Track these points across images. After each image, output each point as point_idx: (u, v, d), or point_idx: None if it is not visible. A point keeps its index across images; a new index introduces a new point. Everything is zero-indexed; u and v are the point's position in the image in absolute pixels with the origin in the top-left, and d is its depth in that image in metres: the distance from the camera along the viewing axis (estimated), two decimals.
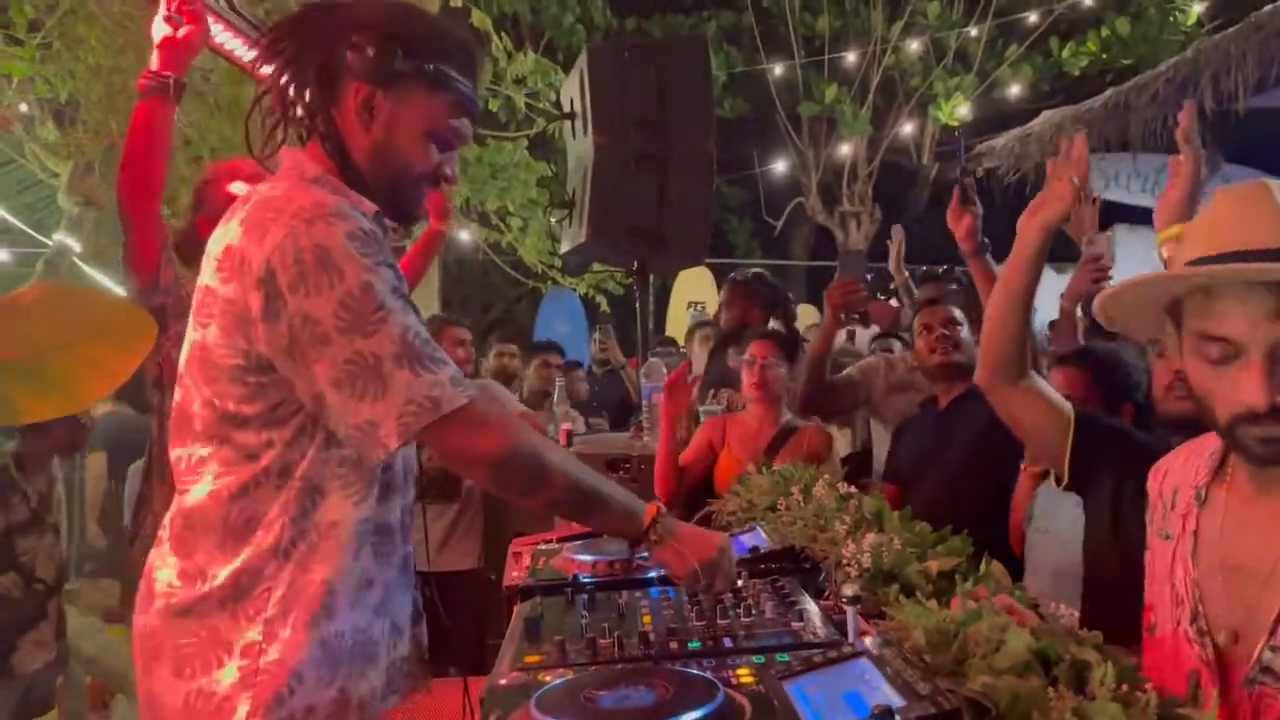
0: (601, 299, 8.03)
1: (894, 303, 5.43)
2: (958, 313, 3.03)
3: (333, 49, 1.38)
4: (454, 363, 1.33)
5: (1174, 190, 1.80)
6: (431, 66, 1.40)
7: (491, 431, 1.31)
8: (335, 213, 1.29)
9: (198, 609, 1.31)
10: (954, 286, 4.14)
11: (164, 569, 1.36)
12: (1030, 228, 1.75)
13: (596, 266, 6.88)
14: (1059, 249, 1.87)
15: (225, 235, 1.33)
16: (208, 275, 1.35)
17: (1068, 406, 1.81)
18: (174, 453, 1.39)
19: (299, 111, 1.42)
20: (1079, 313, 3.29)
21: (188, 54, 2.20)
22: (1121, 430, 1.92)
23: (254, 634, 1.30)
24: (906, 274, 4.38)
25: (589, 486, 1.40)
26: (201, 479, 1.34)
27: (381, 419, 1.26)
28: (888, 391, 3.45)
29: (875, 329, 5.84)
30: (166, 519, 1.39)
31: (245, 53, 2.91)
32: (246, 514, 1.32)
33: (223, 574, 1.31)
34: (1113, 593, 1.88)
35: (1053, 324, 4.74)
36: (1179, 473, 1.36)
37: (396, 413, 1.25)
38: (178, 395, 1.39)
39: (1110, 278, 3.12)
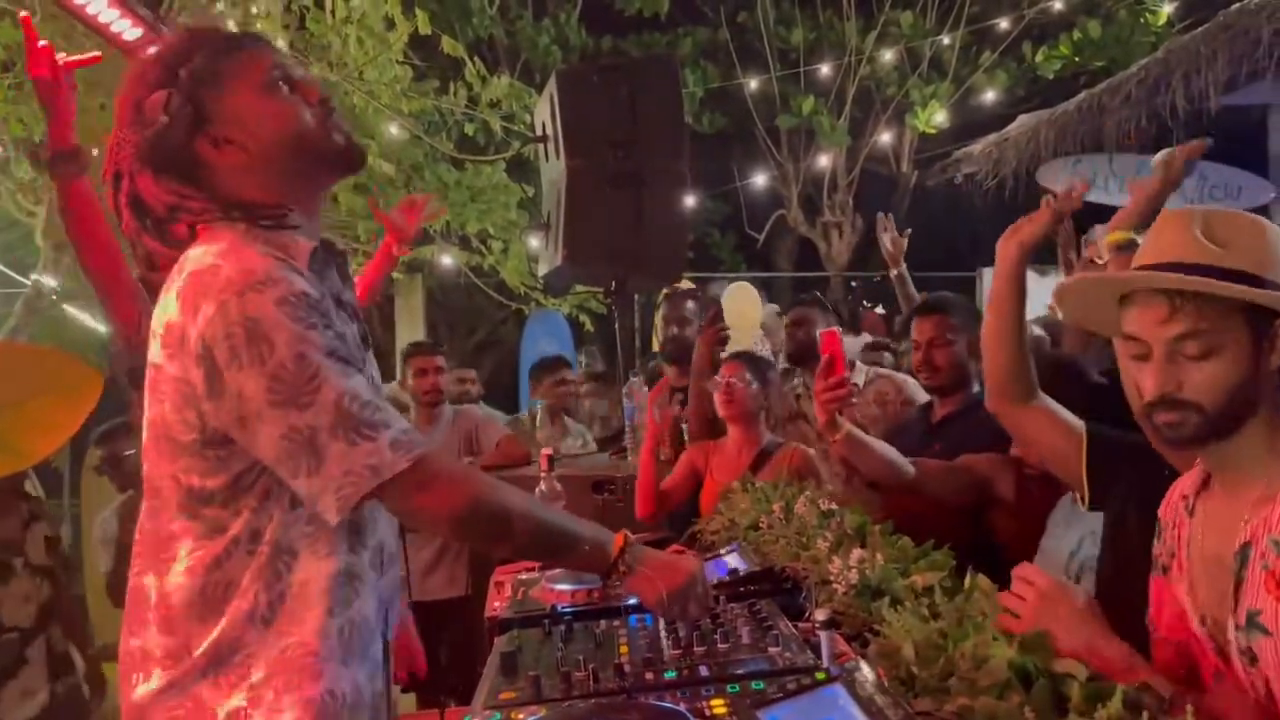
0: (586, 318, 8.01)
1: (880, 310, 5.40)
2: (951, 323, 2.85)
3: (160, 153, 1.34)
4: (399, 417, 1.30)
5: (1132, 204, 1.85)
6: (203, 66, 1.35)
7: (444, 488, 1.28)
8: (266, 279, 1.25)
9: (181, 681, 1.30)
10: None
11: (156, 651, 1.32)
12: (1008, 247, 1.80)
13: (579, 287, 6.87)
14: (1042, 252, 1.89)
15: (165, 310, 1.31)
16: (154, 352, 1.33)
17: (1080, 424, 1.81)
18: (149, 528, 1.37)
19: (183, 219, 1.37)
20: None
21: (65, 116, 2.15)
22: (1134, 443, 1.91)
23: (239, 700, 1.28)
24: (905, 266, 4.16)
25: (554, 526, 1.38)
26: (178, 558, 1.32)
27: (319, 493, 1.24)
28: (783, 422, 3.44)
29: (866, 337, 5.84)
30: (150, 599, 1.35)
31: (129, 32, 2.76)
32: (223, 583, 1.30)
33: (204, 644, 1.30)
34: (1126, 608, 1.85)
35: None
36: (1178, 492, 1.43)
37: (335, 485, 1.23)
38: (146, 468, 1.37)
39: None
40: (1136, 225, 1.73)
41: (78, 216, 2.17)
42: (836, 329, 2.41)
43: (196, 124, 1.34)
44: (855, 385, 3.25)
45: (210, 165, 1.36)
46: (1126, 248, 1.72)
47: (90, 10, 2.63)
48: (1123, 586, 1.89)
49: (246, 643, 1.29)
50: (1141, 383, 1.30)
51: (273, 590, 1.30)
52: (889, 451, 2.43)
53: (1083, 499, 1.84)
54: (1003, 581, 1.44)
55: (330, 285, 1.40)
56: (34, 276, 5.35)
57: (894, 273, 4.13)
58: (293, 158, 1.38)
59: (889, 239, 4.12)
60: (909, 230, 4.18)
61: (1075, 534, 2.14)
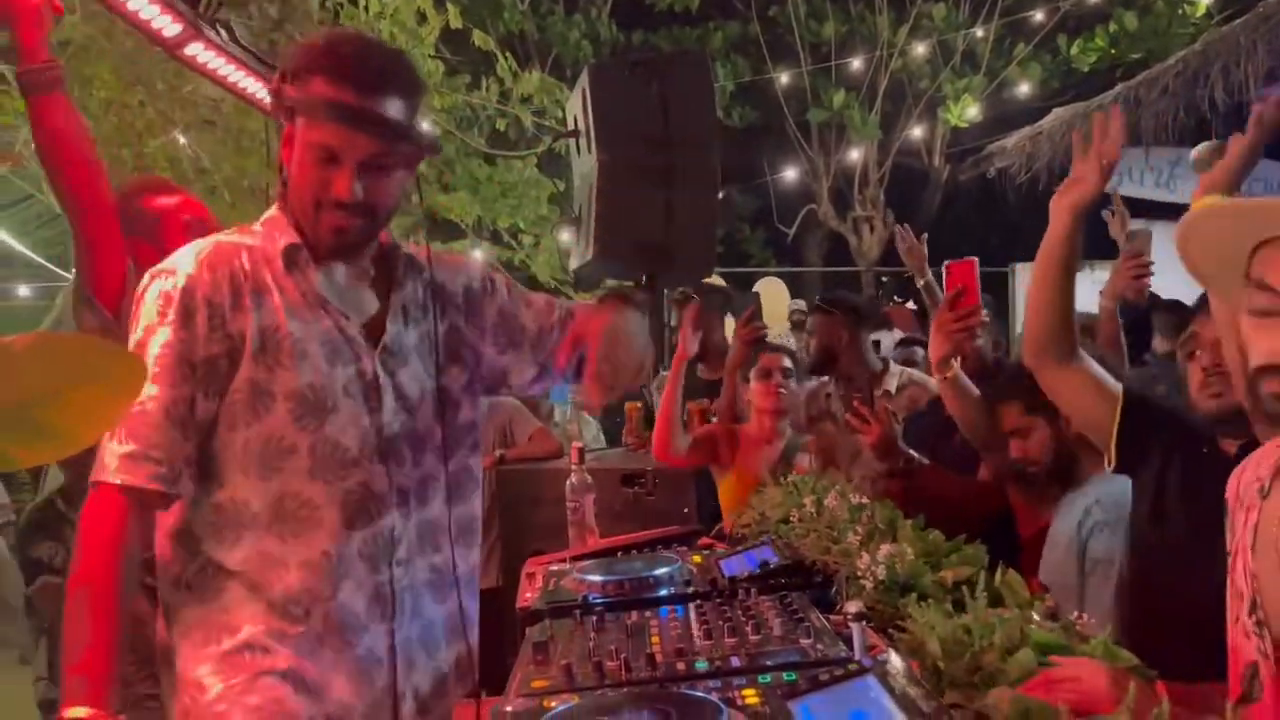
0: None
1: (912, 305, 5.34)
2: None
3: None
4: (154, 444, 1.37)
5: (1226, 163, 1.71)
6: (303, 86, 1.41)
7: (98, 526, 1.36)
8: (167, 267, 1.43)
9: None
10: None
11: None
12: (1061, 209, 1.76)
13: (609, 281, 6.89)
14: (1093, 246, 1.86)
15: None
16: None
17: (1118, 387, 1.79)
18: None
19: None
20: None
21: (38, 35, 1.81)
22: (1173, 410, 1.89)
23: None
24: (930, 274, 4.05)
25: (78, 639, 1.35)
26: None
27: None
28: (809, 423, 3.42)
29: (898, 333, 5.82)
30: None
31: (251, 85, 2.91)
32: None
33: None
34: (1156, 576, 1.83)
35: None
36: (1251, 473, 1.32)
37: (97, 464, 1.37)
38: None
39: (1151, 274, 3.06)
40: (1229, 188, 1.62)
41: (56, 136, 1.85)
42: (974, 259, 2.40)
43: (282, 114, 1.47)
44: (888, 391, 3.26)
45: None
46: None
47: (131, 6, 2.68)
48: (1158, 554, 1.88)
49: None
50: (1261, 343, 1.11)
51: (189, 569, 1.50)
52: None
53: (1109, 461, 1.83)
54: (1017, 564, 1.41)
55: (300, 281, 1.48)
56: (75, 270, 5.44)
57: (921, 282, 4.03)
58: (296, 211, 1.49)
59: (906, 249, 3.99)
60: (925, 234, 4.07)
61: (1080, 505, 2.14)
